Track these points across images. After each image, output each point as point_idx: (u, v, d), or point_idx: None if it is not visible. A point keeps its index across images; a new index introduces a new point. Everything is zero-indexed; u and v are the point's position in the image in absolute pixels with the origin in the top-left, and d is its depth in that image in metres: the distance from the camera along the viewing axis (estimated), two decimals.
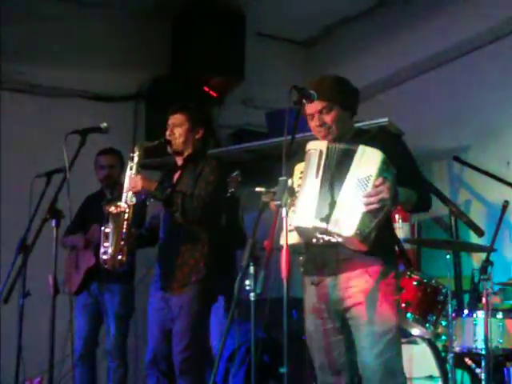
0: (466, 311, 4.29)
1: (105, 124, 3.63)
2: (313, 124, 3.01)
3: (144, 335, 3.90)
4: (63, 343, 3.95)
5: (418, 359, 4.18)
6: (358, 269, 2.92)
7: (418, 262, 5.28)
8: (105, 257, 3.74)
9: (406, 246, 5.04)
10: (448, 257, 4.16)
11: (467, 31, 5.40)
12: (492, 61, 5.27)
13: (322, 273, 2.99)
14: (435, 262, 4.85)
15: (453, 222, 5.04)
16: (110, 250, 3.72)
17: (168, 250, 3.81)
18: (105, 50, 6.11)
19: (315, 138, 3.05)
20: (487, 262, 4.08)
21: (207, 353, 3.97)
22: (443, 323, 4.28)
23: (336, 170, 2.86)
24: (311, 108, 2.97)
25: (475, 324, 4.12)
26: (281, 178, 2.66)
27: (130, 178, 3.74)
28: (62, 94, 5.93)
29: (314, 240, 2.96)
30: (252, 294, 2.65)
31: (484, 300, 3.96)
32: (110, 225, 3.73)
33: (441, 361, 4.17)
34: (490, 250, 4.24)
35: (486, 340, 3.93)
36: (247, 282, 2.65)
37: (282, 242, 2.61)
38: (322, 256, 2.98)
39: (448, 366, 4.04)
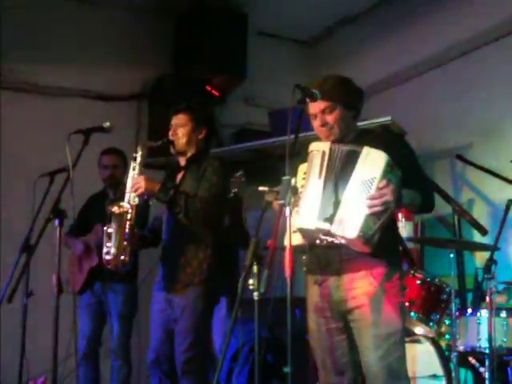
0: (469, 310, 4.28)
1: (108, 123, 3.64)
2: (315, 124, 3.00)
3: (147, 335, 3.89)
4: (66, 343, 3.95)
5: (422, 358, 4.18)
6: (362, 270, 2.90)
7: (421, 261, 5.28)
8: (108, 257, 3.72)
9: (410, 245, 5.04)
10: (451, 256, 4.15)
11: (469, 29, 5.39)
12: (495, 59, 5.26)
13: (325, 272, 2.98)
14: (439, 260, 4.84)
15: (456, 221, 5.04)
16: (112, 250, 3.70)
17: (171, 251, 3.79)
18: (107, 50, 6.11)
19: (318, 137, 3.04)
20: (491, 261, 4.06)
21: (209, 353, 3.96)
22: (447, 322, 4.29)
23: (340, 171, 2.84)
24: (314, 107, 2.96)
25: (479, 323, 4.12)
26: (284, 177, 2.65)
27: (133, 178, 3.71)
28: (64, 93, 5.91)
29: (318, 241, 2.95)
30: (255, 294, 2.65)
31: (488, 299, 3.95)
32: (113, 225, 3.71)
33: (444, 360, 4.16)
34: (493, 248, 4.22)
35: (490, 339, 3.92)
36: (251, 282, 2.65)
37: (286, 242, 2.60)
38: (326, 256, 2.97)
39: (452, 365, 4.03)
